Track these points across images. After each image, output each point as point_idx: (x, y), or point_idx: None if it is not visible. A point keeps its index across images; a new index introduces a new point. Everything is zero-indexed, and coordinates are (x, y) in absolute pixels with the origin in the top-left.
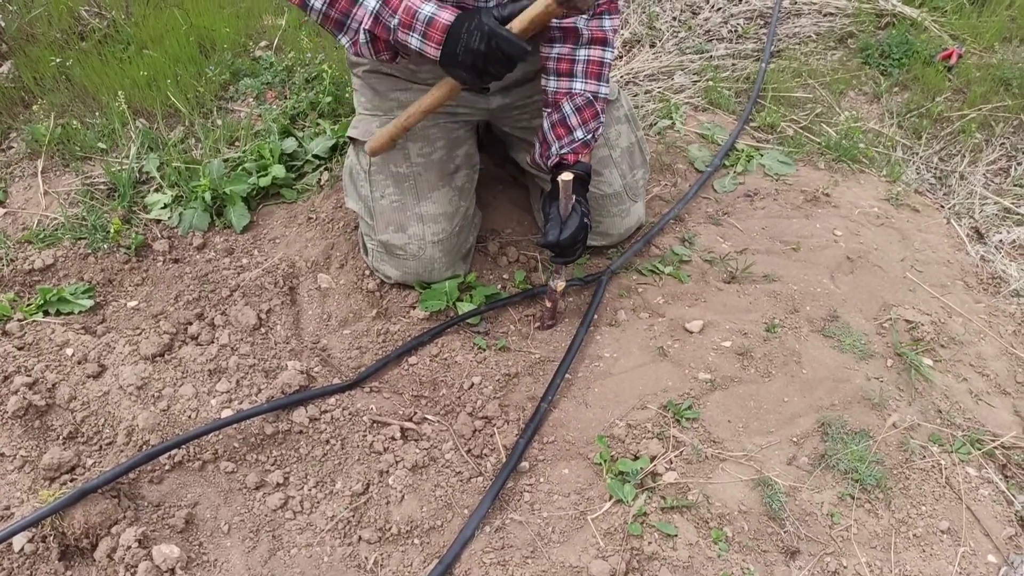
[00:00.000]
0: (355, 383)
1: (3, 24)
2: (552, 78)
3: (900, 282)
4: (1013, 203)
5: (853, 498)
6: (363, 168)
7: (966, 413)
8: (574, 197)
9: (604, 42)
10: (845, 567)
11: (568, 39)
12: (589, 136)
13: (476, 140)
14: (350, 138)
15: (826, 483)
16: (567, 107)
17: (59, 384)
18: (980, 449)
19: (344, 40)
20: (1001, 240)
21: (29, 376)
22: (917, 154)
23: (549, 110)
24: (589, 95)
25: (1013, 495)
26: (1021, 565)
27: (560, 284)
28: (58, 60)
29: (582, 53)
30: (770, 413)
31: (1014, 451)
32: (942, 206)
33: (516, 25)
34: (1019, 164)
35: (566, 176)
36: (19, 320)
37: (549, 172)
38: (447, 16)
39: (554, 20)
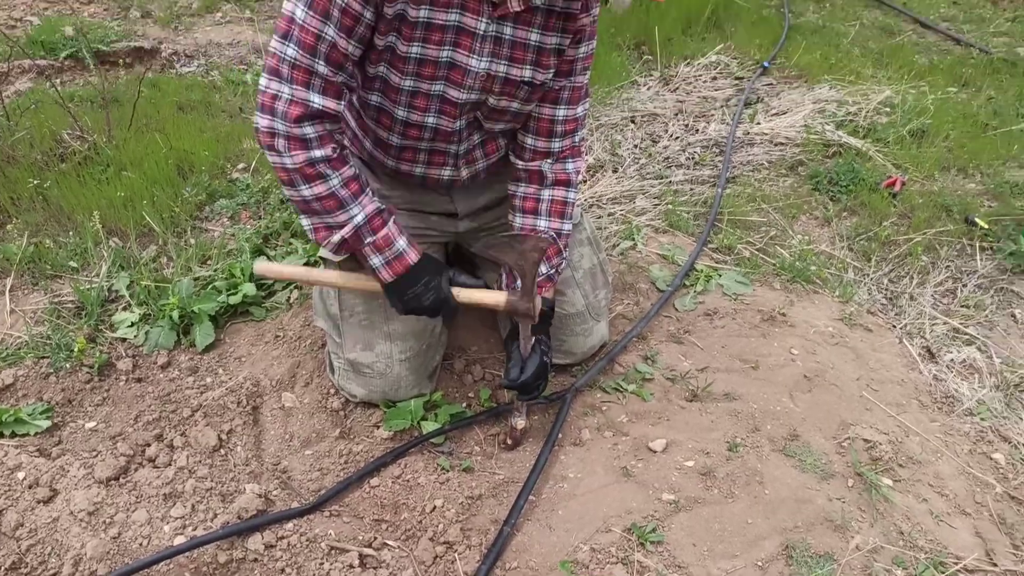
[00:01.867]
0: (313, 507)
1: None
2: (518, 215)
3: (857, 401)
4: (961, 323)
5: None
6: (332, 288)
7: (928, 535)
8: (534, 337)
9: (568, 184)
10: None
11: (533, 181)
12: (552, 271)
13: (445, 259)
14: (321, 258)
15: None
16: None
17: (6, 511)
18: (944, 572)
19: (306, 223)
20: (952, 359)
21: None
22: (868, 275)
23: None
24: (553, 233)
25: None
26: None
27: (520, 423)
28: (36, 182)
29: (547, 194)
30: (735, 535)
31: (977, 574)
32: (894, 326)
33: (463, 296)
34: (964, 286)
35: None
36: None
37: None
38: (413, 256)
39: (519, 162)
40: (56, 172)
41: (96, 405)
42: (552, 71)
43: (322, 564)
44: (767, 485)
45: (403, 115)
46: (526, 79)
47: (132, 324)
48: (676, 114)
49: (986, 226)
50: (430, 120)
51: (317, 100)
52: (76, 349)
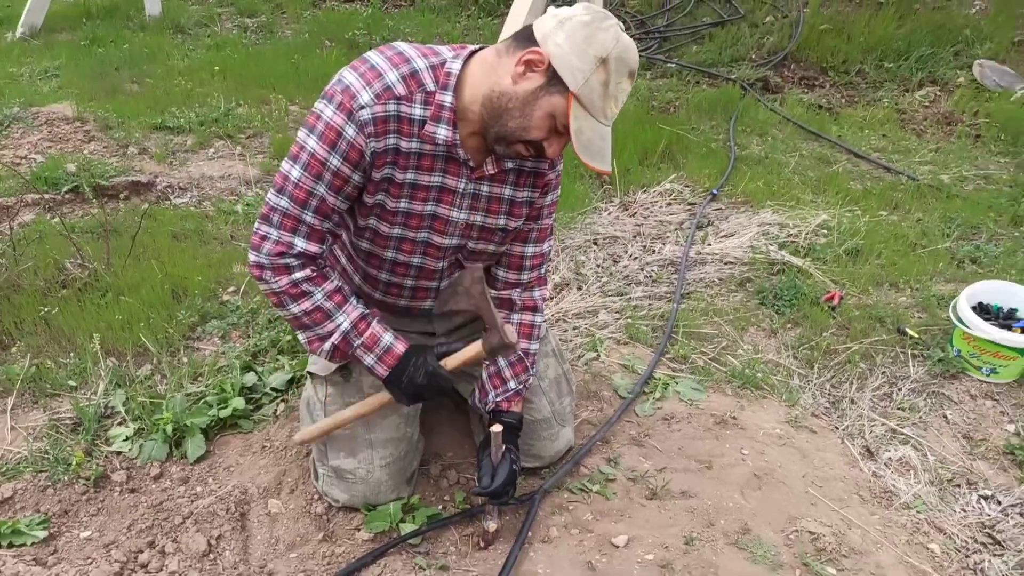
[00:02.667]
0: None
1: None
2: None
3: (803, 496)
4: (897, 424)
5: None
6: (319, 399)
7: None
8: (504, 446)
9: (535, 309)
10: None
11: (504, 307)
12: (520, 386)
13: None
14: (309, 373)
15: None
16: (502, 361)
17: None
18: None
19: (301, 337)
20: (890, 458)
21: None
22: (811, 381)
23: (488, 362)
24: (520, 353)
25: None
26: None
27: (492, 525)
28: (45, 310)
29: (515, 317)
30: None
31: None
32: (836, 427)
33: (450, 363)
34: (899, 390)
35: (496, 428)
36: None
37: (487, 415)
38: (401, 347)
39: (492, 291)
40: (58, 298)
41: (91, 515)
42: (523, 218)
43: None
44: None
45: (391, 256)
46: (500, 226)
47: (127, 438)
48: (635, 236)
49: (916, 335)
50: (415, 260)
51: (300, 244)
52: (74, 463)
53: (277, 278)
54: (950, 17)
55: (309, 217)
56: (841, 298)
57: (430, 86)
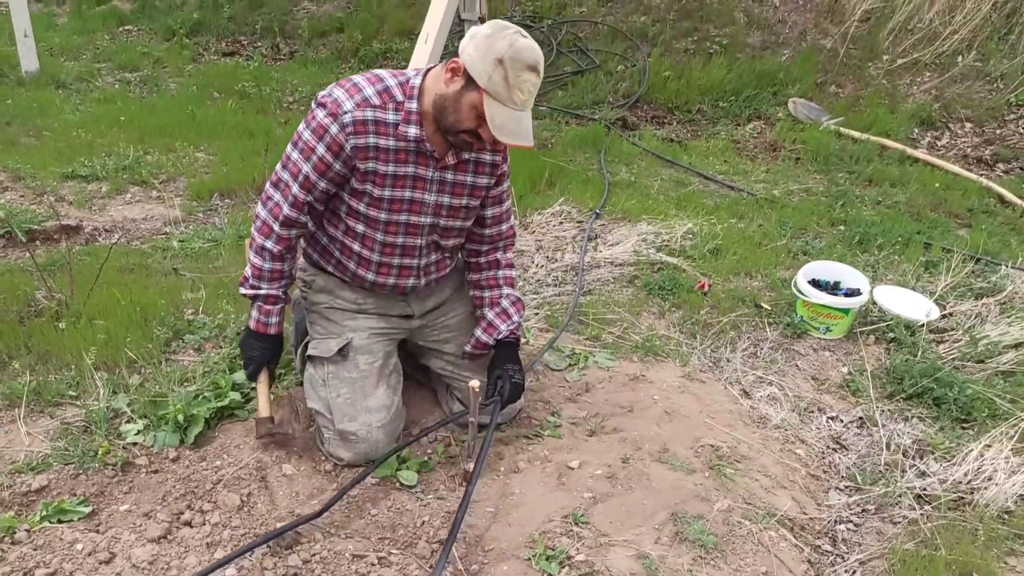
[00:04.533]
0: (320, 512)
1: None
2: (486, 291)
3: (702, 425)
4: (763, 373)
5: (702, 558)
6: (321, 378)
7: (761, 500)
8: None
9: (511, 265)
10: None
11: (490, 267)
12: (520, 320)
13: (401, 350)
14: (310, 356)
15: (683, 551)
16: (505, 302)
17: (75, 572)
18: (774, 517)
19: (246, 271)
20: (760, 396)
21: (49, 568)
22: (696, 348)
23: (491, 304)
24: (517, 296)
25: (801, 545)
26: None
27: (471, 466)
28: (26, 337)
29: (500, 274)
30: (636, 514)
31: (795, 519)
32: (719, 379)
33: (259, 386)
34: (761, 349)
35: (475, 383)
36: (26, 530)
37: (491, 345)
38: (273, 330)
39: (481, 259)
40: (36, 325)
41: (124, 493)
42: (481, 199)
43: (351, 566)
44: (653, 480)
45: (381, 238)
46: (463, 205)
47: (138, 432)
48: (537, 249)
49: (769, 308)
50: (399, 240)
51: (287, 210)
52: (100, 452)
53: (269, 241)
54: (766, 64)
55: (295, 189)
56: (710, 286)
57: (399, 97)
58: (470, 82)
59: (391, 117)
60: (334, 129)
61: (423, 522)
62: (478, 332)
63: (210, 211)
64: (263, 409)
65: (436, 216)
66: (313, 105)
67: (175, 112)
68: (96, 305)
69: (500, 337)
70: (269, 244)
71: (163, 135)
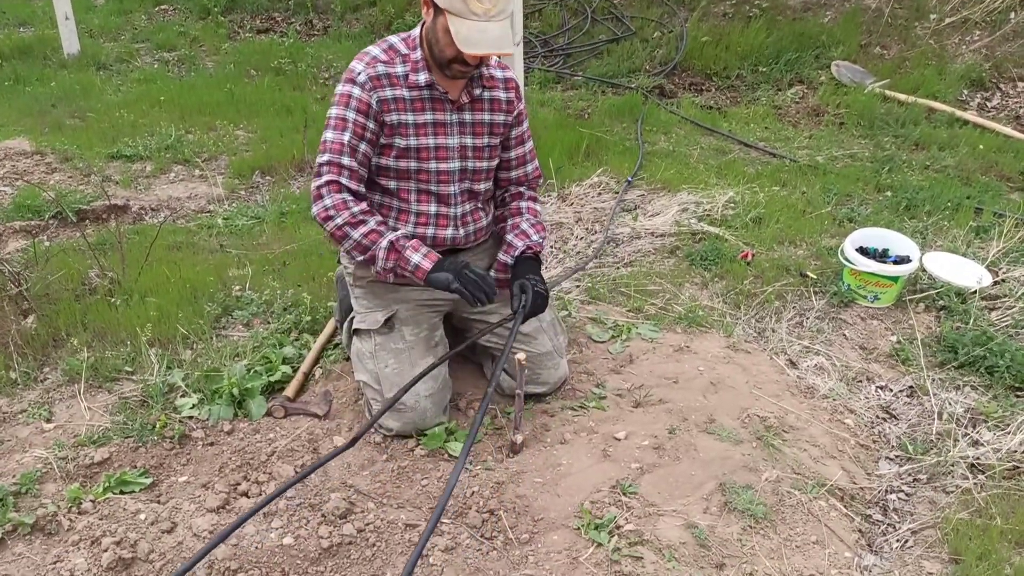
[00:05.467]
0: (354, 440)
1: (28, 286)
2: (509, 220)
3: (749, 395)
4: (810, 343)
5: (752, 528)
6: (368, 350)
7: (810, 469)
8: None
9: (535, 199)
10: (757, 570)
11: (514, 199)
12: (541, 240)
13: (444, 325)
14: (356, 329)
15: (732, 521)
16: (524, 224)
17: (139, 541)
18: (824, 487)
19: (361, 257)
20: (808, 365)
21: (115, 537)
22: (740, 318)
23: (512, 223)
24: (535, 218)
25: (851, 515)
26: (865, 555)
27: (519, 438)
28: (82, 314)
29: (524, 204)
30: (684, 484)
31: (845, 489)
32: (764, 349)
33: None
34: (807, 319)
35: (520, 356)
36: (91, 500)
37: (510, 263)
38: (436, 253)
39: (507, 196)
40: (88, 303)
41: (183, 465)
42: (501, 136)
43: (403, 535)
44: (700, 451)
45: (415, 186)
46: (487, 144)
47: (193, 406)
48: (576, 221)
49: (815, 277)
50: (432, 187)
51: (344, 181)
52: (158, 426)
53: (339, 214)
54: (808, 26)
55: (347, 160)
56: (753, 255)
57: (403, 50)
58: (437, 8)
59: (399, 69)
60: (356, 92)
61: (473, 492)
62: (499, 255)
63: (252, 188)
64: (289, 388)
65: (463, 159)
66: (339, 85)
67: (214, 91)
68: (147, 283)
69: (517, 254)
70: (344, 215)
71: (203, 114)
